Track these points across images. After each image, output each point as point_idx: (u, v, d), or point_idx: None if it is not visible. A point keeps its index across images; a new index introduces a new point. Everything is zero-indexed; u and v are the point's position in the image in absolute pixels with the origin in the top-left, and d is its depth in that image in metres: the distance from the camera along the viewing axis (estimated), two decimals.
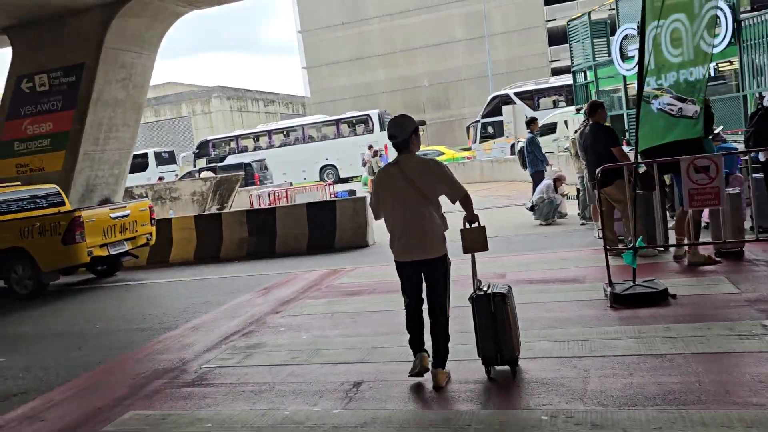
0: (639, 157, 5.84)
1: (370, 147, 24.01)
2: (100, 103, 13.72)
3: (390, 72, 51.44)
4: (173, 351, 5.54)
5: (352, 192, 23.25)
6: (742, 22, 13.15)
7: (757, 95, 12.98)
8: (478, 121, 31.31)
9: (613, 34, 19.75)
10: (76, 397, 4.68)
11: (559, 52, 48.23)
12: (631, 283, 5.41)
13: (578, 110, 19.22)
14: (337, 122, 35.44)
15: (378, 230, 10.87)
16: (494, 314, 3.86)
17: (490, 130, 31.07)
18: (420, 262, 3.98)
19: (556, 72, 43.77)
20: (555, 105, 31.69)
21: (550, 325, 4.93)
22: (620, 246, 7.09)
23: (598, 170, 5.82)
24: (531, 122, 11.03)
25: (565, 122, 22.85)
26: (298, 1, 54.08)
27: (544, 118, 28.37)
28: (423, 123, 4.65)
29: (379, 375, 4.34)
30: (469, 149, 31.13)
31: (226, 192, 20.15)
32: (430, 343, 4.05)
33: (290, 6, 66.30)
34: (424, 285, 4.08)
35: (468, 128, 33.31)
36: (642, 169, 6.74)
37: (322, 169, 34.62)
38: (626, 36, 16.46)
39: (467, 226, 4.03)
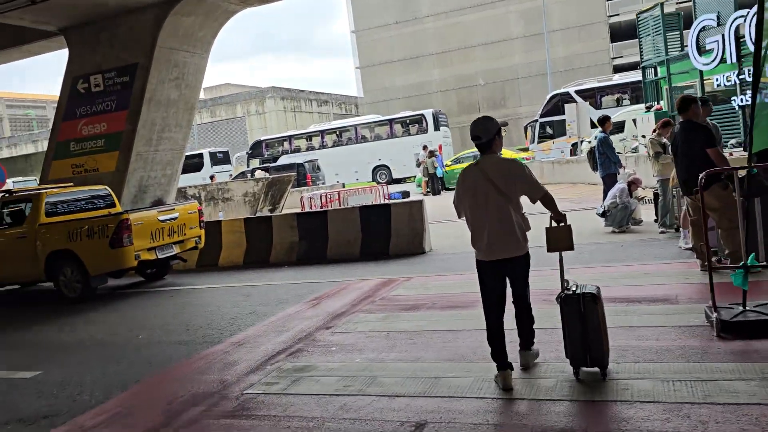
0: (753, 159, 4.96)
1: (425, 147, 23.37)
2: (152, 103, 13.57)
3: (444, 71, 50.58)
4: (215, 371, 5.05)
5: (406, 193, 22.72)
6: None
7: None
8: (537, 121, 30.21)
9: (687, 27, 18.50)
10: (107, 425, 4.23)
11: (622, 48, 46.31)
12: (741, 308, 4.59)
13: (648, 108, 18.04)
14: (391, 122, 34.91)
15: (435, 237, 10.23)
16: (584, 315, 3.83)
17: (548, 129, 29.94)
18: (503, 261, 4.07)
19: (618, 69, 41.96)
20: (619, 103, 30.27)
21: (647, 357, 4.18)
22: (715, 261, 6.22)
23: (701, 175, 4.98)
24: (604, 120, 10.15)
25: (633, 121, 21.59)
26: (352, 1, 53.88)
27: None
28: (505, 124, 4.69)
29: (445, 414, 3.70)
30: (526, 149, 30.07)
31: (278, 193, 19.88)
32: (516, 330, 4.21)
33: (344, 6, 66.23)
34: (507, 287, 4.16)
35: (526, 128, 32.22)
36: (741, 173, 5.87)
37: (375, 169, 34.16)
38: (704, 28, 15.24)
39: (553, 225, 4.13)
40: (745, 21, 13.76)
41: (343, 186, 23.69)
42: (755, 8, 14.58)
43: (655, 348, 4.33)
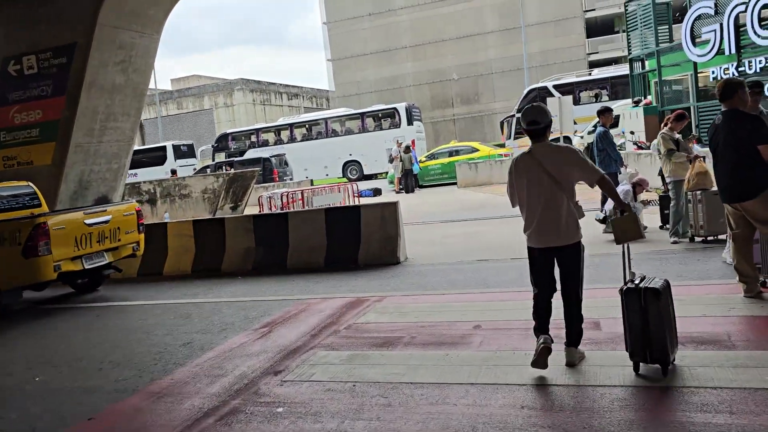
0: None
1: (399, 142, 22.05)
2: (94, 88, 11.95)
3: (418, 65, 49.42)
4: None
5: (378, 190, 21.39)
6: None
7: None
8: (513, 116, 29.14)
9: (675, 20, 17.53)
10: None
11: (598, 44, 45.69)
12: None
13: (636, 103, 17.02)
14: (362, 116, 33.57)
15: (411, 243, 8.95)
16: (644, 309, 3.73)
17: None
18: (554, 249, 4.04)
19: (593, 65, 41.27)
20: (597, 99, 29.40)
21: None
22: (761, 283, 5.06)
23: None
24: (604, 112, 8.97)
25: (619, 116, 20.62)
26: None
27: (588, 113, 26.19)
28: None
29: None
30: (502, 146, 29.01)
31: (241, 189, 18.38)
32: (564, 326, 4.11)
33: None
34: (556, 272, 4.11)
35: (502, 123, 31.18)
36: None
37: (346, 165, 32.84)
38: (699, 16, 14.22)
39: (618, 214, 4.19)
40: (746, 9, 12.76)
41: (311, 182, 22.26)
42: None
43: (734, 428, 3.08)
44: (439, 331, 5.14)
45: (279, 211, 11.49)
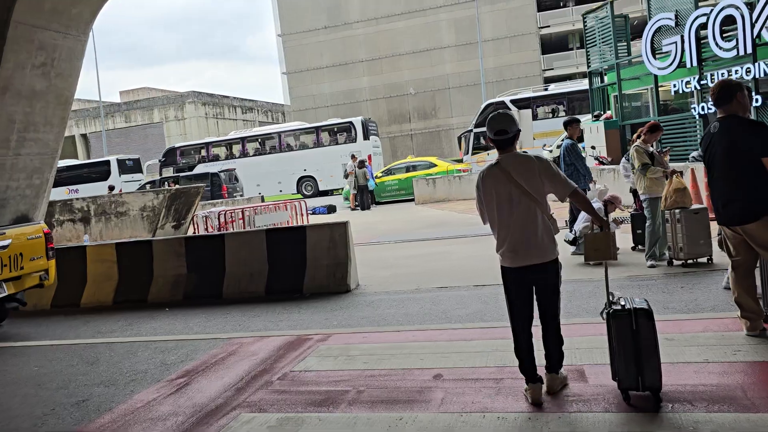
0: None
1: (354, 157, 21.19)
2: (9, 93, 10.64)
3: (374, 79, 48.89)
4: None
5: (332, 207, 20.43)
6: None
7: None
8: (471, 131, 28.72)
9: (635, 35, 17.26)
10: None
11: (552, 60, 46.04)
12: None
13: (596, 117, 16.60)
14: (317, 130, 32.64)
15: (364, 266, 8.06)
16: (636, 332, 3.43)
17: (483, 140, 28.52)
18: (529, 268, 3.70)
19: (548, 81, 41.39)
20: (554, 114, 29.25)
21: None
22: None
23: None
24: (571, 124, 8.29)
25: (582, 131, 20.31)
26: (278, 3, 51.39)
27: (546, 128, 25.89)
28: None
29: None
30: (460, 161, 28.50)
31: (184, 207, 17.13)
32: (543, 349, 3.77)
33: (271, 10, 63.75)
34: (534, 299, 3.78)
35: (459, 138, 30.69)
36: None
37: (300, 180, 31.83)
38: (660, 28, 13.85)
39: (594, 230, 3.94)
40: (708, 20, 12.39)
41: (262, 199, 21.14)
42: (719, 6, 13.39)
43: None
44: (393, 383, 4.23)
45: (216, 232, 10.41)
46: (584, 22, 17.01)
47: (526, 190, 3.62)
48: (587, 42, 17.06)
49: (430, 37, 47.27)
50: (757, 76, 11.73)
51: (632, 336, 3.43)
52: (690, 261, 6.72)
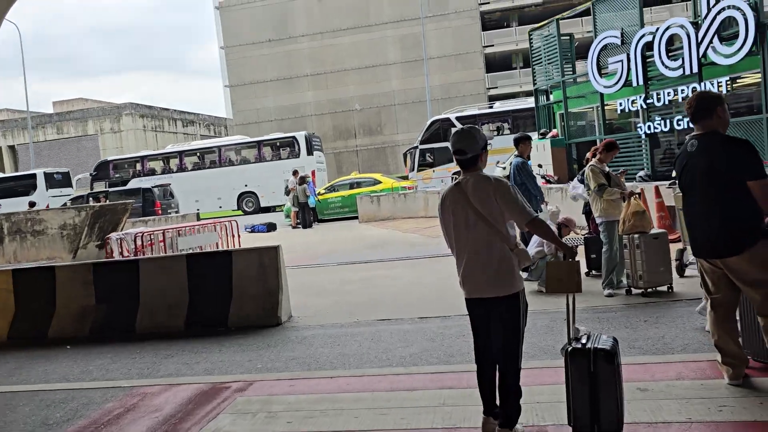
0: None
1: (295, 173, 20.34)
2: None
3: (319, 94, 48.22)
4: None
5: (272, 225, 19.46)
6: None
7: None
8: (416, 148, 28.36)
9: (581, 56, 17.15)
10: None
11: (497, 79, 46.49)
12: None
13: (543, 135, 16.36)
14: (259, 144, 31.61)
15: (299, 292, 7.30)
16: (594, 374, 3.13)
17: (429, 157, 28.20)
18: (488, 301, 3.36)
19: (493, 99, 41.70)
20: (499, 132, 29.24)
21: None
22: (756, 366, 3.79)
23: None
24: (522, 141, 7.77)
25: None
26: (221, 15, 50.19)
27: (493, 146, 25.74)
28: (491, 137, 2.63)
29: None
30: (406, 178, 28.05)
31: (110, 225, 15.84)
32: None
33: (213, 21, 62.36)
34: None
35: (405, 155, 30.31)
36: None
37: (241, 196, 30.71)
38: (606, 46, 13.70)
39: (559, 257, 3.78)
40: (654, 39, 12.27)
41: (198, 216, 19.99)
42: (665, 25, 13.33)
43: None
44: None
45: (130, 257, 9.38)
46: (530, 39, 16.82)
47: (482, 214, 3.29)
48: (533, 60, 16.87)
49: (376, 53, 47.06)
50: None
51: (589, 378, 3.13)
52: (650, 290, 6.24)
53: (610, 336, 3.31)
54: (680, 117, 12.15)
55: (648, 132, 12.77)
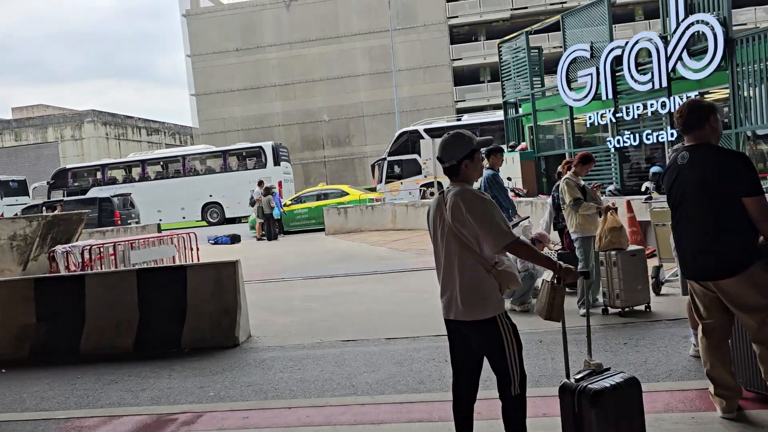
0: None
1: (261, 183, 19.81)
2: None
3: (287, 104, 47.72)
4: None
5: (236, 237, 18.88)
6: (736, 42, 10.51)
7: None
8: (385, 159, 28.08)
9: (550, 70, 17.13)
10: None
11: (464, 92, 46.66)
12: None
13: (512, 148, 16.22)
14: (225, 154, 30.95)
15: (261, 309, 6.88)
16: (578, 417, 2.87)
17: (397, 169, 27.96)
18: (462, 324, 3.04)
19: (461, 112, 41.81)
20: None
21: None
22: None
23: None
24: (494, 152, 7.49)
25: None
26: (188, 22, 49.36)
27: None
28: (489, 142, 3.43)
29: None
30: (374, 189, 27.73)
31: (64, 235, 15.11)
32: None
33: (180, 29, 61.42)
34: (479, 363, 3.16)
35: (373, 166, 29.99)
36: None
37: (205, 207, 29.97)
38: (575, 59, 13.64)
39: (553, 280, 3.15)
40: (623, 52, 12.23)
41: (159, 228, 19.28)
42: (634, 39, 13.34)
43: None
44: None
45: (76, 272, 8.79)
46: (499, 52, 16.72)
47: (453, 230, 3.00)
48: (502, 72, 16.76)
49: (344, 65, 46.85)
50: (672, 111, 11.59)
51: (573, 419, 2.91)
52: (626, 309, 5.98)
53: (628, 375, 3.01)
54: (649, 131, 12.11)
55: (617, 146, 12.70)
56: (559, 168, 7.85)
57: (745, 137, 10.86)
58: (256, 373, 5.29)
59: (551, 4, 41.24)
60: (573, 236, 6.28)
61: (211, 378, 5.26)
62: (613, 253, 5.89)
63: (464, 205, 2.97)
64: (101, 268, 8.75)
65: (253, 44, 47.79)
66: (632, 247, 6.04)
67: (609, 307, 6.06)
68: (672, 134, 11.56)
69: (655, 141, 11.97)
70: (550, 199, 7.72)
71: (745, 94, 10.38)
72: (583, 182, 6.37)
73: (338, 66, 46.72)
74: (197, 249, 10.10)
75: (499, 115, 29.35)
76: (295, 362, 5.50)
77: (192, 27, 48.78)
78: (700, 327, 3.56)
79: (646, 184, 12.08)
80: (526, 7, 43.48)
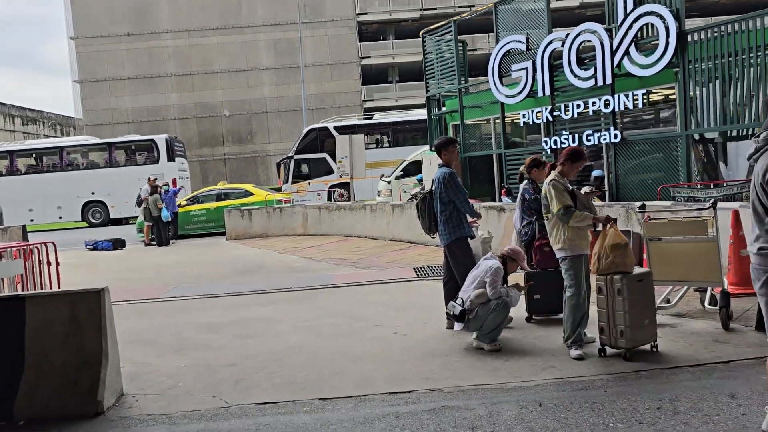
0: None
1: (150, 179, 17.30)
2: None
3: (184, 96, 44.40)
4: None
5: (120, 242, 16.28)
6: (689, 36, 9.68)
7: None
8: (291, 157, 26.22)
9: (474, 68, 16.01)
10: None
11: (373, 91, 45.47)
12: None
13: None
14: (110, 147, 27.76)
15: (143, 346, 4.95)
16: None
17: (304, 168, 26.19)
18: None
19: (368, 111, 40.55)
20: (378, 144, 27.92)
21: None
22: None
23: None
24: (446, 147, 5.96)
25: (420, 162, 18.86)
26: (71, 3, 44.67)
27: (374, 158, 24.22)
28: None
29: None
30: (279, 189, 25.75)
31: None
32: None
33: (63, 8, 56.12)
34: None
35: (279, 165, 28.00)
36: None
37: (86, 206, 26.78)
38: (509, 52, 12.51)
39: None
40: (563, 46, 11.20)
41: (24, 230, 16.28)
42: (576, 31, 12.40)
43: None
44: None
45: None
46: (423, 43, 15.38)
47: None
48: (426, 66, 15.44)
49: (247, 57, 44.28)
50: (616, 110, 10.68)
51: None
52: (630, 349, 4.65)
53: None
54: (590, 132, 11.16)
55: (554, 147, 11.67)
56: (522, 168, 6.52)
57: (692, 140, 10.10)
58: None
59: (460, 6, 40.89)
60: (559, 254, 4.87)
61: None
62: (617, 277, 4.54)
63: None
64: None
65: (147, 29, 44.08)
66: (638, 270, 4.71)
67: (607, 347, 4.71)
68: (616, 135, 10.65)
69: (596, 142, 11.02)
70: (518, 203, 6.35)
71: (697, 93, 9.59)
72: (569, 185, 5.00)
73: (241, 58, 44.06)
74: (56, 264, 7.64)
75: (412, 115, 28.30)
76: None
77: (76, 6, 44.21)
78: None
79: (584, 189, 11.09)
80: (435, 8, 42.94)
